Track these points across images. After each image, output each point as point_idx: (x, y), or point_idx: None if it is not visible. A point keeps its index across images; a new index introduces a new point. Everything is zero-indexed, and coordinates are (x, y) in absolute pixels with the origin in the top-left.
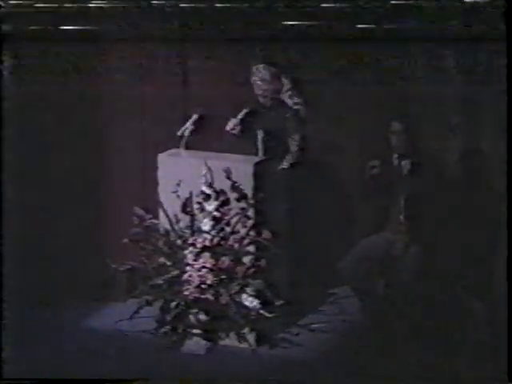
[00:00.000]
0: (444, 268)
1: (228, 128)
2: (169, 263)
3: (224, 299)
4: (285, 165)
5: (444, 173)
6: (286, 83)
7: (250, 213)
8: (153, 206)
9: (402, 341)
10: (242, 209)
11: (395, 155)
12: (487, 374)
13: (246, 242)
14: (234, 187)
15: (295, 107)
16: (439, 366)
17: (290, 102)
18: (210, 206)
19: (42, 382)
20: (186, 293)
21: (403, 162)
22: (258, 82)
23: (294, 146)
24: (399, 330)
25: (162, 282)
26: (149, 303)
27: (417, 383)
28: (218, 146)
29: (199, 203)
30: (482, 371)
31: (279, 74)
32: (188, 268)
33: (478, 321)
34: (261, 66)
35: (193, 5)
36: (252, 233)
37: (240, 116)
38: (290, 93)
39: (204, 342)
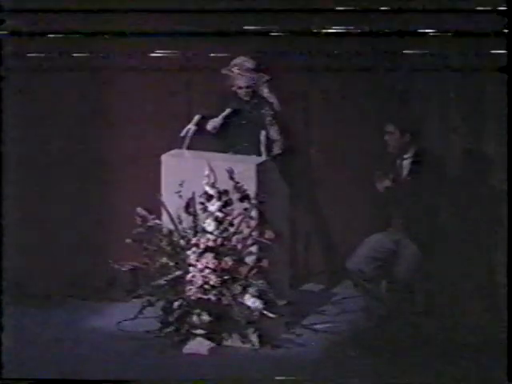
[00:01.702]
0: (444, 268)
1: (209, 128)
2: (172, 263)
3: (227, 300)
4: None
5: (445, 173)
6: (264, 76)
7: (253, 213)
8: (156, 206)
9: (403, 341)
10: (245, 209)
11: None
12: (487, 374)
13: (249, 242)
14: (237, 187)
15: (271, 101)
16: (439, 366)
17: (267, 95)
18: (213, 207)
19: (42, 382)
20: (189, 293)
21: (404, 163)
22: (244, 73)
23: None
24: (400, 330)
25: (164, 282)
26: (151, 304)
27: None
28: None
29: (202, 203)
30: (482, 371)
31: (261, 66)
32: (191, 268)
33: (478, 321)
34: (244, 57)
35: None
36: (255, 233)
37: (223, 115)
38: (267, 86)
39: (207, 342)
